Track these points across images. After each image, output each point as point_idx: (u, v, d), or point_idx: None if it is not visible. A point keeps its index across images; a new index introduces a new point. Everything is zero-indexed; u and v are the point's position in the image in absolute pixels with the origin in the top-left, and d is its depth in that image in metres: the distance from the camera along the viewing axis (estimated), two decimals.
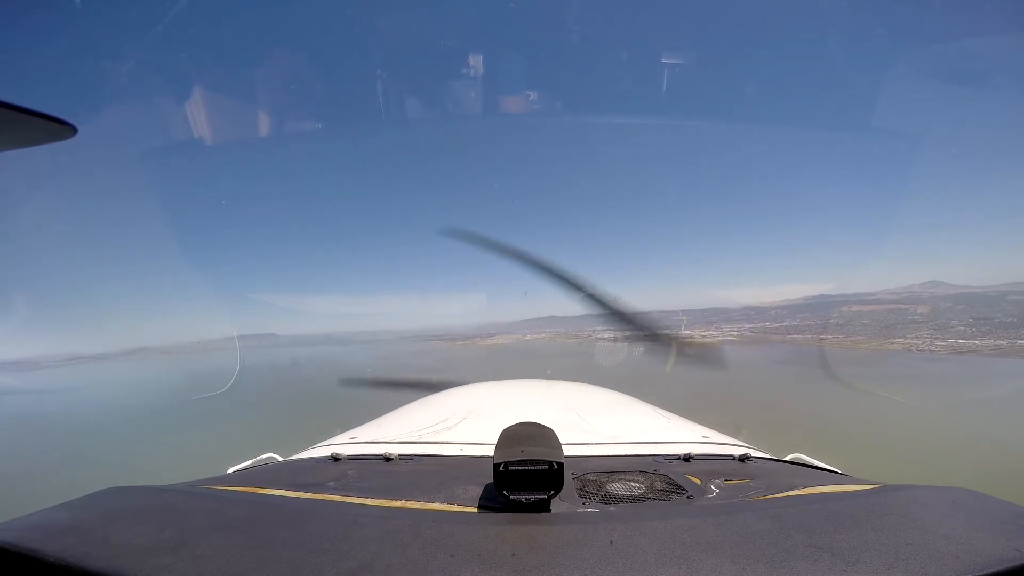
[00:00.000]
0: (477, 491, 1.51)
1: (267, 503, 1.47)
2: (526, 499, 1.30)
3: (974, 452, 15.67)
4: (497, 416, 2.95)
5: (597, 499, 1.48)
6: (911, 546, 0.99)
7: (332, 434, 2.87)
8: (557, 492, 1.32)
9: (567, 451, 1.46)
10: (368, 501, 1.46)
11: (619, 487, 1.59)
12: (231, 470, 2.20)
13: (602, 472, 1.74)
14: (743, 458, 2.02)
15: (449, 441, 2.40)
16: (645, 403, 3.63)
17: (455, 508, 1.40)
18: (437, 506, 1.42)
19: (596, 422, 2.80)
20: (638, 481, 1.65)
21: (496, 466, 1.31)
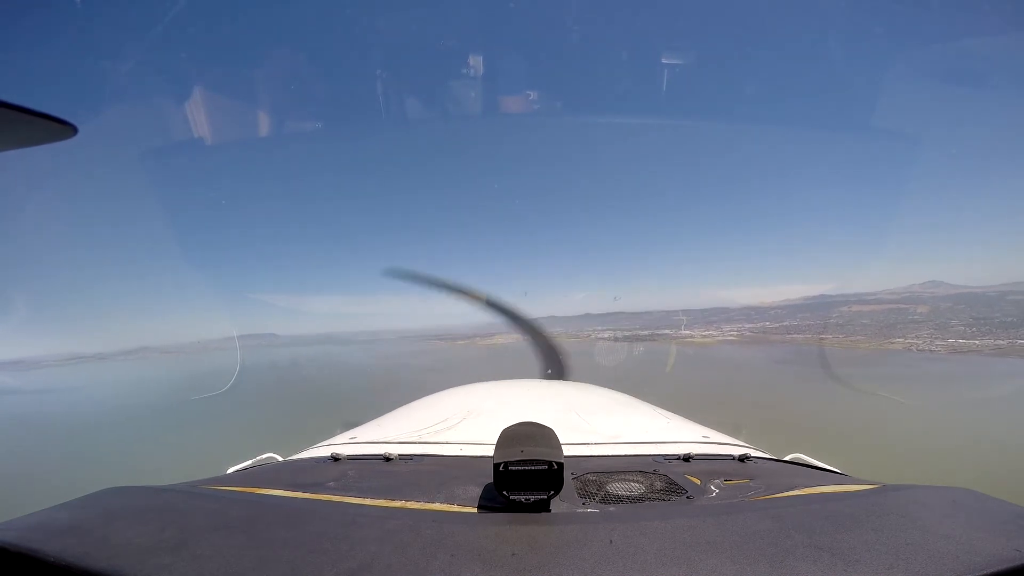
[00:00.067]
0: (477, 491, 1.51)
1: (267, 503, 1.47)
2: (526, 499, 1.30)
3: (974, 452, 15.68)
4: (497, 416, 2.95)
5: (597, 499, 1.48)
6: (911, 546, 0.99)
7: (332, 434, 2.87)
8: (557, 492, 1.32)
9: (567, 451, 1.46)
10: (368, 501, 1.46)
11: (619, 487, 1.59)
12: (231, 470, 2.20)
13: (602, 472, 1.74)
14: (743, 458, 2.02)
15: (449, 441, 2.40)
16: (645, 403, 3.63)
17: (455, 508, 1.40)
18: (437, 506, 1.42)
19: (596, 422, 2.80)
20: (638, 481, 1.65)
21: (496, 466, 1.31)
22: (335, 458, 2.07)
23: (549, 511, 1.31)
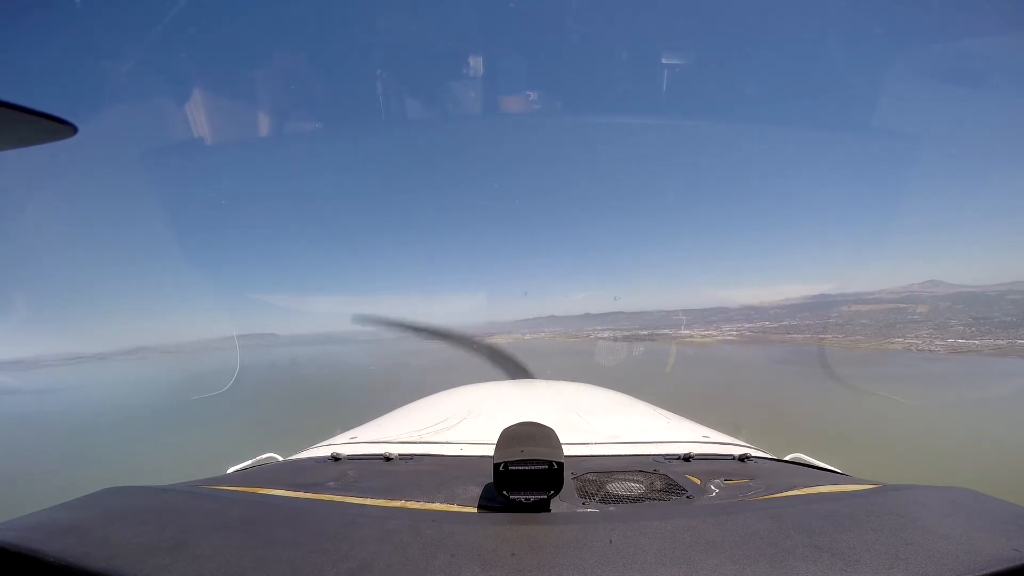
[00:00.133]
0: (477, 491, 1.50)
1: (267, 503, 1.47)
2: (526, 499, 1.30)
3: (974, 452, 15.67)
4: (497, 416, 2.95)
5: (597, 499, 1.48)
6: (911, 546, 0.99)
7: (332, 434, 2.87)
8: (557, 492, 1.32)
9: (567, 451, 1.46)
10: (368, 501, 1.46)
11: (619, 487, 1.59)
12: (231, 470, 2.20)
13: (602, 472, 1.74)
14: (743, 458, 2.02)
15: (449, 441, 2.40)
16: (645, 403, 3.63)
17: (455, 508, 1.39)
18: (437, 506, 1.42)
19: (596, 422, 2.80)
20: (638, 481, 1.65)
21: (496, 466, 1.31)
22: (335, 458, 2.07)
23: (549, 511, 1.31)
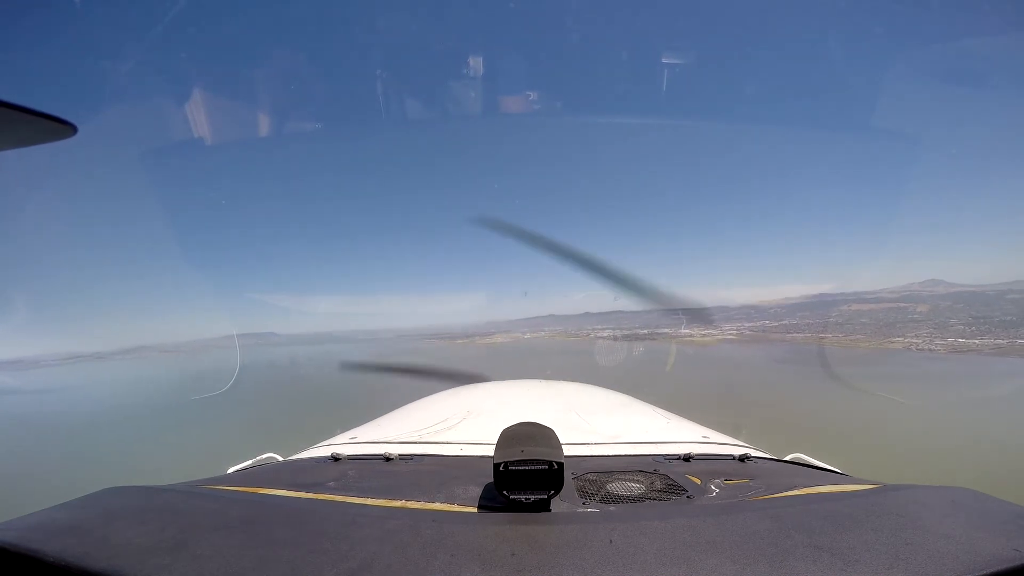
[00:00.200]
0: (477, 491, 1.51)
1: (267, 503, 1.47)
2: (526, 499, 1.30)
3: (974, 452, 15.68)
4: (497, 416, 2.95)
5: (597, 499, 1.48)
6: (911, 546, 0.99)
7: (332, 434, 2.87)
8: (557, 492, 1.32)
9: (567, 451, 1.46)
10: (368, 501, 1.46)
11: (619, 487, 1.59)
12: (231, 470, 2.20)
13: (602, 472, 1.74)
14: (743, 458, 2.02)
15: (449, 441, 2.40)
16: (645, 403, 3.63)
17: (455, 508, 1.39)
18: (437, 506, 1.42)
19: (596, 422, 2.80)
20: (638, 481, 1.65)
21: (496, 466, 1.31)
22: (335, 458, 2.07)
23: (549, 511, 1.31)
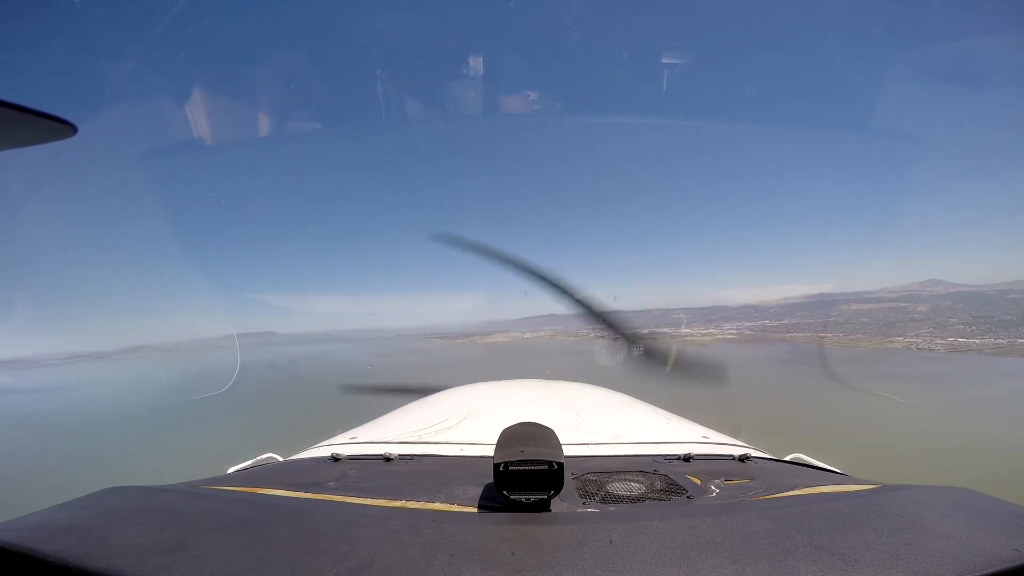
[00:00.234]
0: (477, 491, 1.50)
1: (267, 503, 1.47)
2: (526, 499, 1.30)
3: (974, 452, 15.67)
4: (497, 416, 2.95)
5: (597, 499, 1.48)
6: (911, 546, 0.99)
7: (332, 434, 2.87)
8: (557, 492, 1.32)
9: (567, 451, 1.46)
10: (368, 501, 1.46)
11: (619, 487, 1.59)
12: (231, 470, 2.20)
13: (602, 472, 1.74)
14: (743, 458, 2.02)
15: (449, 441, 2.40)
16: (645, 403, 3.63)
17: (455, 508, 1.39)
18: (437, 506, 1.42)
19: (596, 422, 2.80)
20: (638, 481, 1.65)
21: (496, 466, 1.31)
22: (335, 458, 2.07)
23: (549, 511, 1.31)
